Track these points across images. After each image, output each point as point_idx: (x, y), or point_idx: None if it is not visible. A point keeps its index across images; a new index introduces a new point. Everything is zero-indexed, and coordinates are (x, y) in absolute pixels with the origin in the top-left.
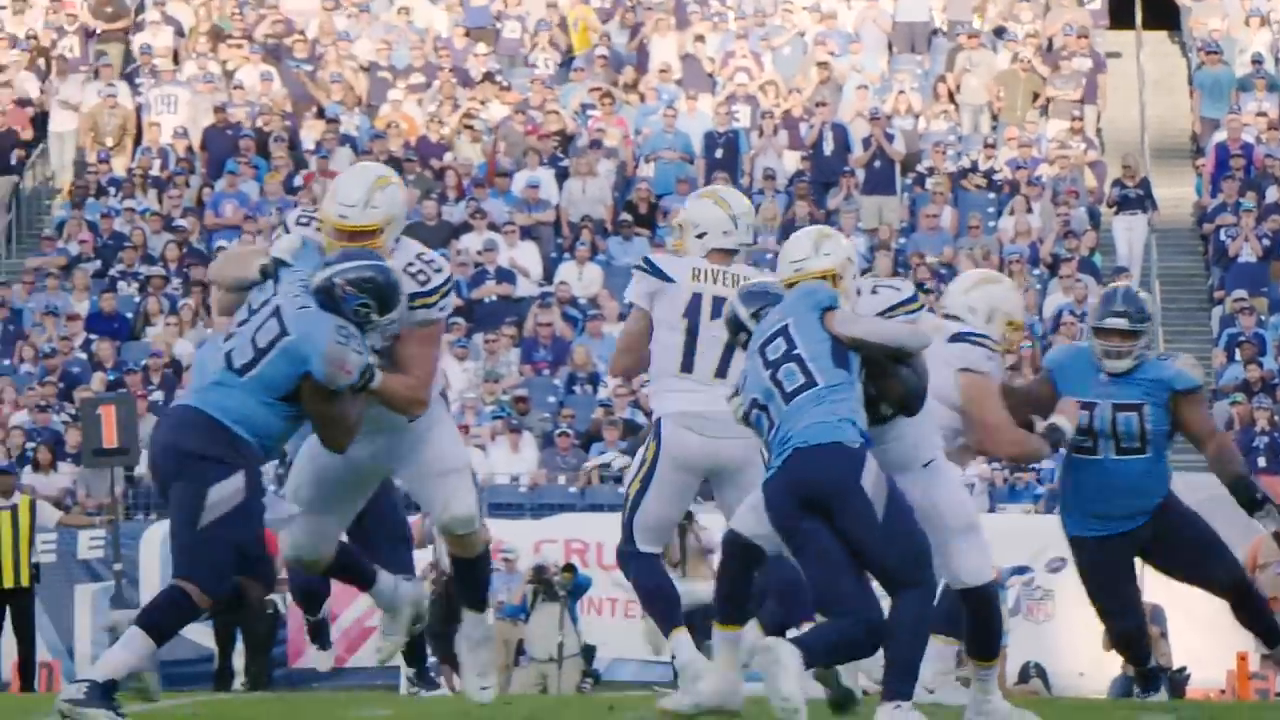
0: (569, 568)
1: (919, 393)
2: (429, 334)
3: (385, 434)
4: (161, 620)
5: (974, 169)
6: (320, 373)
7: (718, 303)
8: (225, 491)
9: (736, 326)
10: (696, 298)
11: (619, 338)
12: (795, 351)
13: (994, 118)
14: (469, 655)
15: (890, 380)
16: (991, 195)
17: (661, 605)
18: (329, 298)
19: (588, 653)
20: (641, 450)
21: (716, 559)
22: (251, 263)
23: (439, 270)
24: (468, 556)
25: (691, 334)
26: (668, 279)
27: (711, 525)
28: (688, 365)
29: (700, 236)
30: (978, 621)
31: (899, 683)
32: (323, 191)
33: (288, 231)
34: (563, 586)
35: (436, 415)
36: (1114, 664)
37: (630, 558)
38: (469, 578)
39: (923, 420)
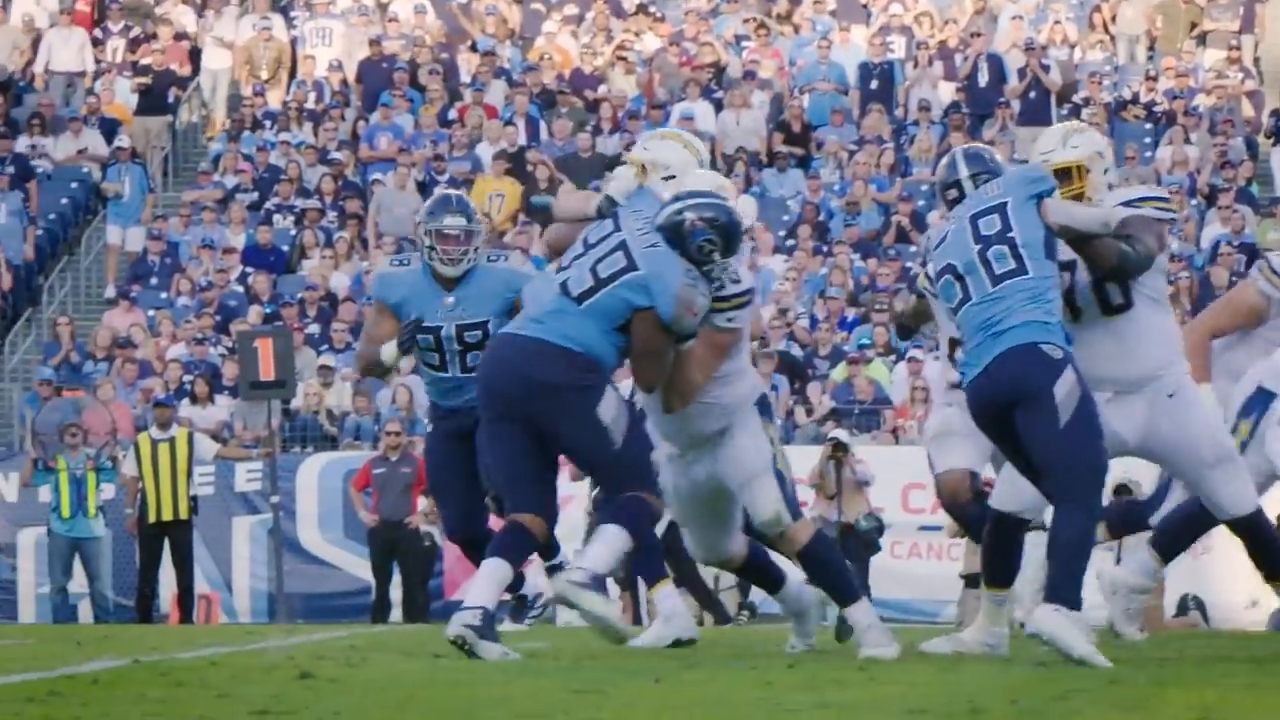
0: None
1: (1135, 261)
2: (720, 341)
3: (702, 452)
4: (635, 525)
5: (1134, 100)
6: (668, 311)
7: None
8: (610, 408)
9: (950, 184)
10: None
11: None
12: (1010, 235)
13: (1150, 48)
14: (861, 636)
15: (1101, 248)
16: (1148, 126)
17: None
18: (676, 233)
19: (744, 585)
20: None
21: (872, 491)
22: (590, 201)
23: (736, 281)
24: (797, 551)
25: None
26: None
27: (868, 457)
28: None
29: (668, 179)
30: (1256, 546)
31: (1062, 590)
32: (478, 124)
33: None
34: None
35: (742, 422)
36: (1273, 597)
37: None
38: (810, 575)
39: (1164, 341)
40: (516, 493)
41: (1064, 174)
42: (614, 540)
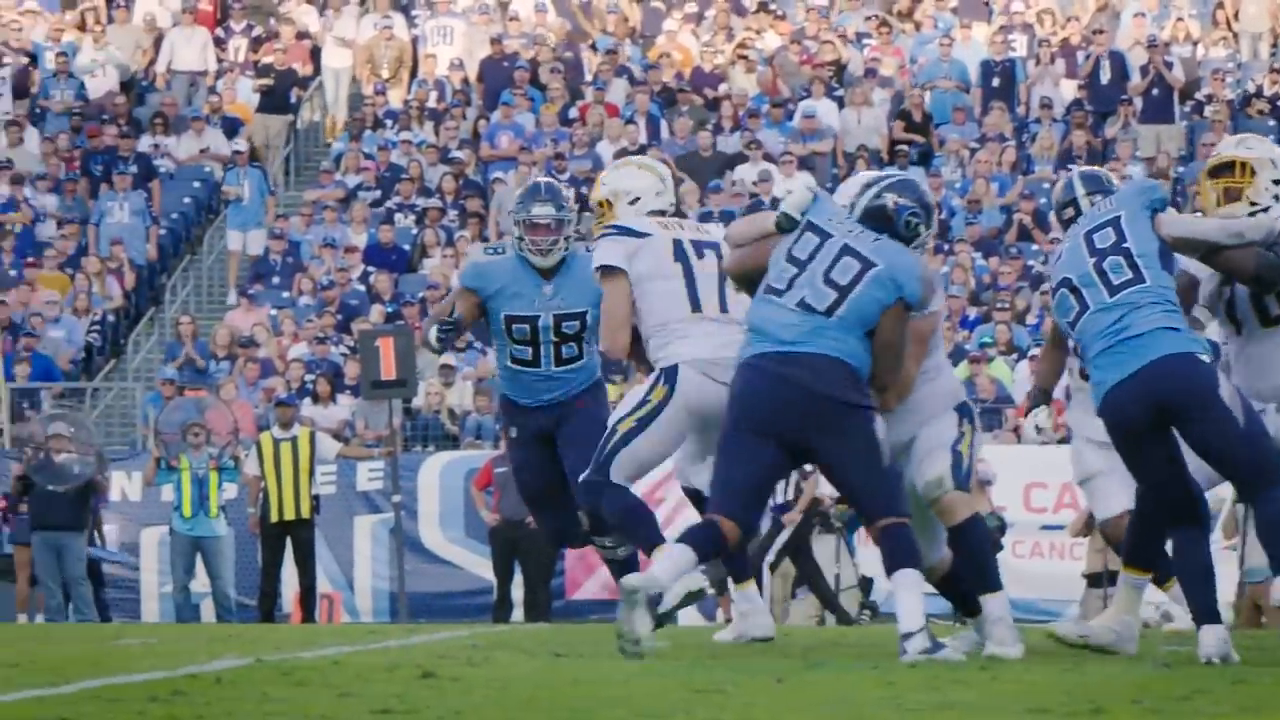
0: (844, 499)
1: (1275, 265)
2: (922, 329)
3: (901, 459)
4: (909, 555)
5: (1258, 95)
6: (915, 294)
7: (696, 245)
8: (881, 426)
9: (1066, 203)
10: (678, 243)
11: (606, 313)
12: (1125, 245)
13: (1274, 44)
14: (989, 629)
15: (1235, 257)
16: (1272, 123)
17: (641, 526)
18: (880, 217)
19: (865, 584)
20: (644, 391)
21: (994, 490)
22: (768, 219)
23: None
24: (951, 525)
25: (689, 275)
26: (643, 234)
27: (989, 456)
28: (696, 305)
29: (634, 203)
30: None
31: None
32: (599, 122)
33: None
34: (839, 518)
35: (938, 417)
36: None
37: (601, 487)
38: (961, 550)
39: None
40: (732, 499)
41: (1228, 167)
42: (917, 586)
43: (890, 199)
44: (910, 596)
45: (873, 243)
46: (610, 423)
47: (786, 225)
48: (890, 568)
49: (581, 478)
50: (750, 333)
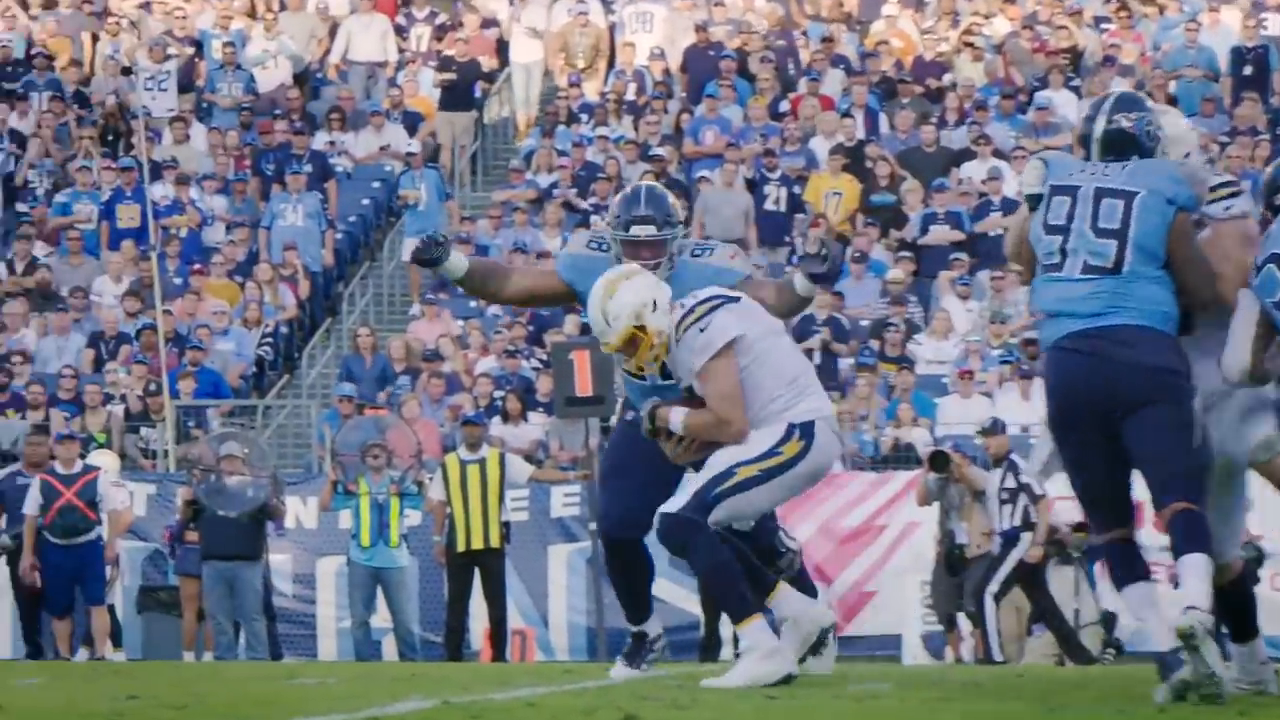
0: (1082, 526)
1: None
2: (1234, 232)
3: (1212, 416)
4: (1202, 540)
5: None
6: (1188, 197)
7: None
8: (1199, 405)
9: (1275, 189)
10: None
11: (731, 392)
12: None
13: None
14: None
15: None
16: None
17: (734, 590)
18: (1122, 140)
19: (1107, 620)
20: (772, 441)
21: (1250, 516)
22: (1022, 209)
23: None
24: None
25: (789, 333)
26: (737, 297)
27: None
28: (808, 360)
29: (656, 309)
30: None
31: None
32: (812, 116)
33: None
34: (1077, 547)
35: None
36: None
37: (695, 530)
38: None
39: None
40: (1106, 510)
41: None
42: (1205, 569)
43: (1121, 119)
44: (1198, 581)
45: (1121, 171)
46: (724, 463)
47: (1035, 204)
48: (1179, 551)
49: (669, 509)
50: (1048, 317)
